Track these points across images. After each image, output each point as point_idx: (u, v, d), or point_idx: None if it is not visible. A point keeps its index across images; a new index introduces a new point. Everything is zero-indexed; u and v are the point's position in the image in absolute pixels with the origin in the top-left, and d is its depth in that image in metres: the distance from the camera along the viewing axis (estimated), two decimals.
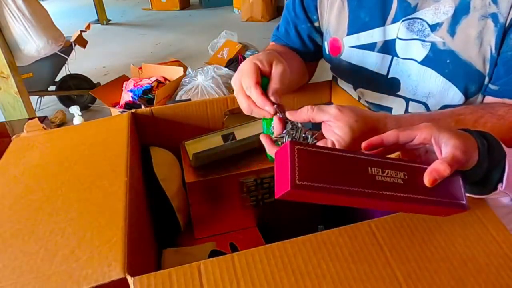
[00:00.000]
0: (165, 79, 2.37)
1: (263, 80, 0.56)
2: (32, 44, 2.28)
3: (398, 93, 0.72)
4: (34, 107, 2.52)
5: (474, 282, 0.39)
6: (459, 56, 0.63)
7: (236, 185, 0.71)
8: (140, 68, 2.50)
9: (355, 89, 0.80)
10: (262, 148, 0.75)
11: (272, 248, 0.41)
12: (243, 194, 0.73)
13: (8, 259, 0.42)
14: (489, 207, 0.45)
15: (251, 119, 0.81)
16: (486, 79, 0.63)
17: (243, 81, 0.55)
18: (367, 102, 0.79)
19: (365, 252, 0.41)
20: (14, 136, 0.70)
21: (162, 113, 0.78)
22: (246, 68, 0.55)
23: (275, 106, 0.53)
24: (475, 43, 0.61)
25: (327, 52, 0.81)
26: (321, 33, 0.81)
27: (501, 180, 0.42)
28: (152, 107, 0.78)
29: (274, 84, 0.54)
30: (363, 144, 0.43)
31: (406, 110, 0.73)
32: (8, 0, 2.17)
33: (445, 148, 0.41)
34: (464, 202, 0.41)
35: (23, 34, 2.24)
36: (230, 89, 2.19)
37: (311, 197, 0.38)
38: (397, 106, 0.74)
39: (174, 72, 2.38)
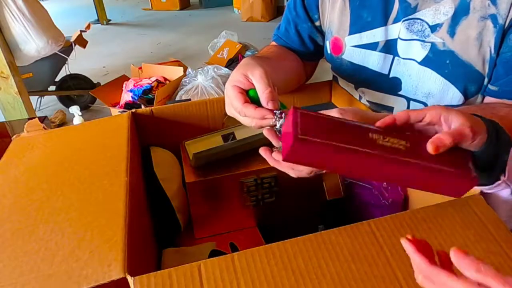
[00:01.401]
0: (165, 79, 2.37)
1: (250, 94, 0.55)
2: (32, 44, 2.28)
3: (400, 92, 0.73)
4: (34, 107, 2.52)
5: None
6: (459, 56, 0.63)
7: (236, 185, 0.71)
8: (140, 68, 2.50)
9: (356, 88, 0.80)
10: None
11: (272, 248, 0.41)
12: (243, 194, 0.73)
13: (8, 259, 0.42)
14: (489, 206, 0.45)
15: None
16: (486, 80, 0.64)
17: (234, 107, 0.55)
18: (369, 101, 0.79)
19: (365, 252, 0.41)
20: (14, 136, 0.70)
21: (162, 113, 0.78)
22: (229, 94, 0.55)
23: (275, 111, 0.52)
24: (474, 44, 0.62)
25: (328, 52, 0.81)
26: (321, 33, 0.81)
27: (503, 170, 0.43)
28: (152, 107, 0.78)
29: (262, 91, 0.53)
30: (377, 123, 0.43)
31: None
32: (8, 0, 2.17)
33: (453, 126, 0.42)
34: (472, 175, 0.40)
35: (23, 34, 2.24)
36: None
37: (313, 156, 0.39)
38: (398, 106, 0.74)
39: (174, 72, 2.38)
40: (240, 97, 0.54)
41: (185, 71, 2.37)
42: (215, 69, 2.24)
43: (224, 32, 3.04)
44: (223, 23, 4.96)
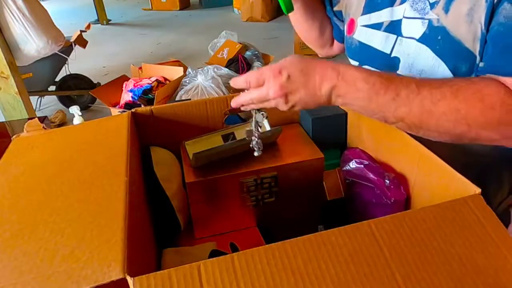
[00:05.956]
0: (165, 79, 2.37)
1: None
2: (32, 44, 2.28)
3: (397, 71, 0.73)
4: (34, 107, 2.52)
5: (472, 284, 0.39)
6: (450, 33, 0.63)
7: (236, 185, 0.71)
8: (140, 68, 2.50)
9: (360, 65, 0.82)
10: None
11: (272, 249, 0.41)
12: (243, 194, 0.73)
13: (8, 259, 0.42)
14: (487, 206, 0.45)
15: (251, 119, 0.81)
16: (477, 59, 0.62)
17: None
18: None
19: (364, 253, 0.41)
20: (14, 136, 0.70)
21: (162, 112, 0.78)
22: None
23: None
24: (465, 20, 0.61)
25: (345, 34, 0.85)
26: (337, 18, 0.87)
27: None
28: (152, 107, 0.78)
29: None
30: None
31: None
32: (8, 0, 2.17)
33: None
34: None
35: (23, 34, 2.24)
36: (230, 89, 2.19)
37: None
38: None
39: (174, 72, 2.38)
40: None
41: (185, 71, 2.37)
42: (215, 69, 2.24)
43: (224, 32, 3.04)
44: (223, 23, 4.96)
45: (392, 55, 0.73)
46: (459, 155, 0.64)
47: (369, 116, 0.56)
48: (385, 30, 0.73)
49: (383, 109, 0.53)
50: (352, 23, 0.80)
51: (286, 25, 4.70)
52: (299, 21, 0.90)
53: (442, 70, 0.65)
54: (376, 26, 0.74)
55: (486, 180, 0.67)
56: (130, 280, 0.38)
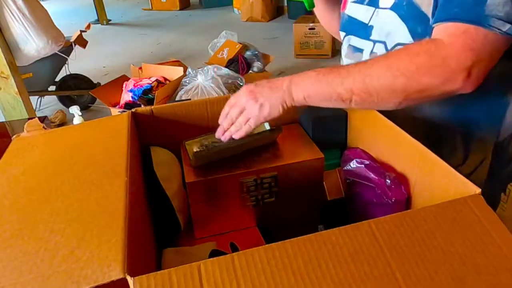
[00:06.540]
0: (165, 79, 2.37)
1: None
2: (32, 44, 2.28)
3: (370, 37, 0.81)
4: (34, 107, 2.52)
5: (473, 282, 0.39)
6: None
7: (236, 185, 0.71)
8: (140, 68, 2.49)
9: (346, 35, 0.90)
10: (262, 148, 0.76)
11: (272, 248, 0.41)
12: (243, 194, 0.73)
13: (8, 259, 0.42)
14: (488, 206, 0.45)
15: None
16: (430, 20, 0.67)
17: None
18: (350, 45, 0.88)
19: (365, 253, 0.41)
20: (14, 136, 0.70)
21: (162, 112, 0.78)
22: None
23: None
24: None
25: (340, 10, 0.93)
26: None
27: None
28: (152, 107, 0.78)
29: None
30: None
31: (372, 50, 0.81)
32: (8, 0, 2.17)
33: None
34: None
35: (23, 34, 2.24)
36: (230, 89, 2.19)
37: None
38: (366, 48, 0.83)
39: (174, 72, 2.37)
40: None
41: (185, 71, 2.37)
42: (215, 69, 2.24)
43: (224, 32, 3.03)
44: (223, 23, 4.97)
45: (369, 24, 0.81)
46: (409, 116, 0.71)
47: (329, 102, 0.65)
48: (367, 4, 0.81)
49: (333, 86, 0.63)
50: (345, 1, 0.89)
51: (286, 25, 4.71)
52: (322, 14, 1.00)
53: (404, 31, 0.73)
54: (361, 1, 0.83)
55: (439, 143, 0.72)
56: (130, 280, 0.38)
